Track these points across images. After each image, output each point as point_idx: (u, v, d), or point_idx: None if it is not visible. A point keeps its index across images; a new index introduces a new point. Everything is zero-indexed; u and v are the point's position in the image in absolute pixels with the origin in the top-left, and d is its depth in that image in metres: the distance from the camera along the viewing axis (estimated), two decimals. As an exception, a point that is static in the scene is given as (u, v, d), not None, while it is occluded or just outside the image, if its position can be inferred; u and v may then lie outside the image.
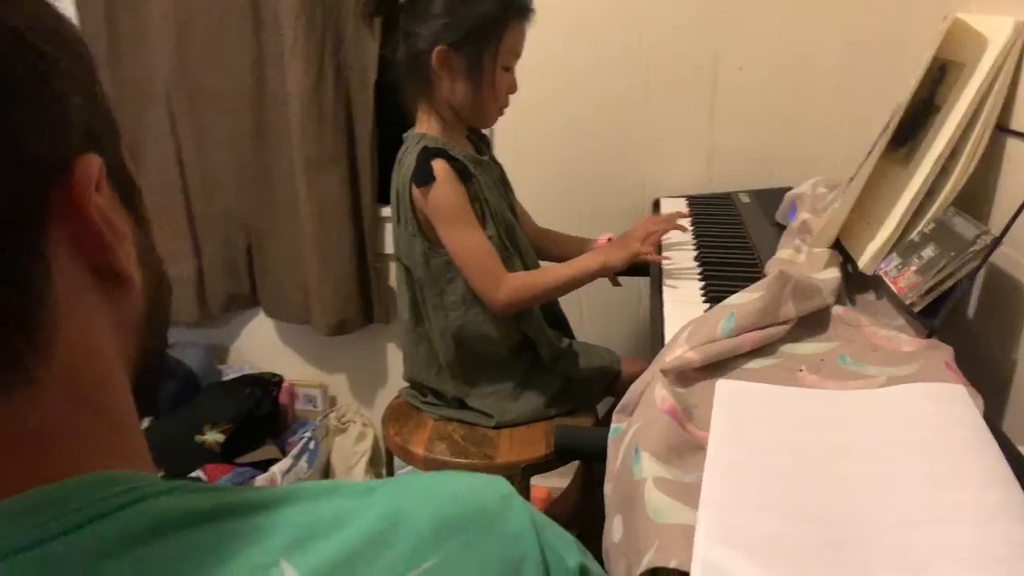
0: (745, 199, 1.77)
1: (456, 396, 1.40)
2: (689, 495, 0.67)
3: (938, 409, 0.77)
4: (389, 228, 1.99)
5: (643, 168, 1.88)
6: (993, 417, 0.94)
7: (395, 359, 2.14)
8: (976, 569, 0.56)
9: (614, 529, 0.76)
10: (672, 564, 0.60)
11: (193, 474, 1.89)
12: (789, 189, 1.73)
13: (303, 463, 1.99)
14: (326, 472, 2.09)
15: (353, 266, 1.98)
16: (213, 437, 1.90)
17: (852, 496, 0.66)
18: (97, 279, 0.38)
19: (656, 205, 1.82)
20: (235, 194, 2.03)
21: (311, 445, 2.04)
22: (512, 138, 1.80)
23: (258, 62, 1.91)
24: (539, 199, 1.71)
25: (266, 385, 2.02)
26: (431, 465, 1.31)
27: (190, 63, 1.93)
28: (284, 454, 2.00)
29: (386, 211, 1.99)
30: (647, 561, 0.62)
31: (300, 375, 2.18)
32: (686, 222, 1.49)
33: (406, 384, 1.51)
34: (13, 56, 0.34)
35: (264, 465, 1.94)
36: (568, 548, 0.40)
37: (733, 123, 1.84)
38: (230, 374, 2.14)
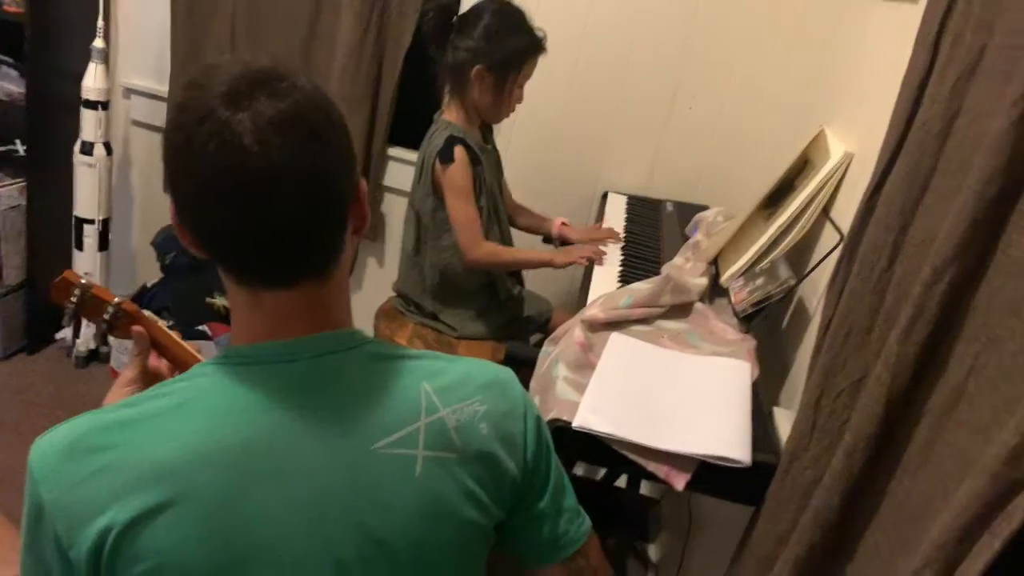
0: (670, 208, 2.30)
1: (432, 311, 1.92)
2: (580, 388, 1.22)
3: (728, 373, 1.33)
4: (392, 165, 2.48)
5: (599, 165, 2.39)
6: (777, 385, 1.52)
7: (372, 270, 2.63)
8: (712, 439, 1.12)
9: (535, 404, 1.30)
10: (564, 417, 1.15)
11: (200, 327, 2.37)
12: (705, 207, 2.29)
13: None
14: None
15: (357, 191, 2.44)
16: (221, 301, 2.38)
17: (667, 400, 1.22)
18: (352, 232, 0.78)
19: (604, 196, 2.35)
20: (272, 111, 2.45)
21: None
22: (508, 128, 2.29)
23: (317, 10, 2.33)
24: (518, 176, 2.22)
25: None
26: (407, 353, 1.83)
27: (257, 4, 2.33)
28: (272, 327, 2.49)
29: (393, 151, 2.47)
30: (551, 416, 1.17)
31: (293, 267, 2.65)
32: (620, 229, 2.02)
33: (393, 293, 2.03)
34: (346, 136, 0.75)
35: (256, 332, 2.43)
36: (533, 406, 0.90)
37: (676, 145, 2.36)
38: (236, 254, 2.60)
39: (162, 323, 1.07)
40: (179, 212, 0.75)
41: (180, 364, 1.05)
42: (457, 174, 1.73)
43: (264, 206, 0.70)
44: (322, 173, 0.73)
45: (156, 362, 1.03)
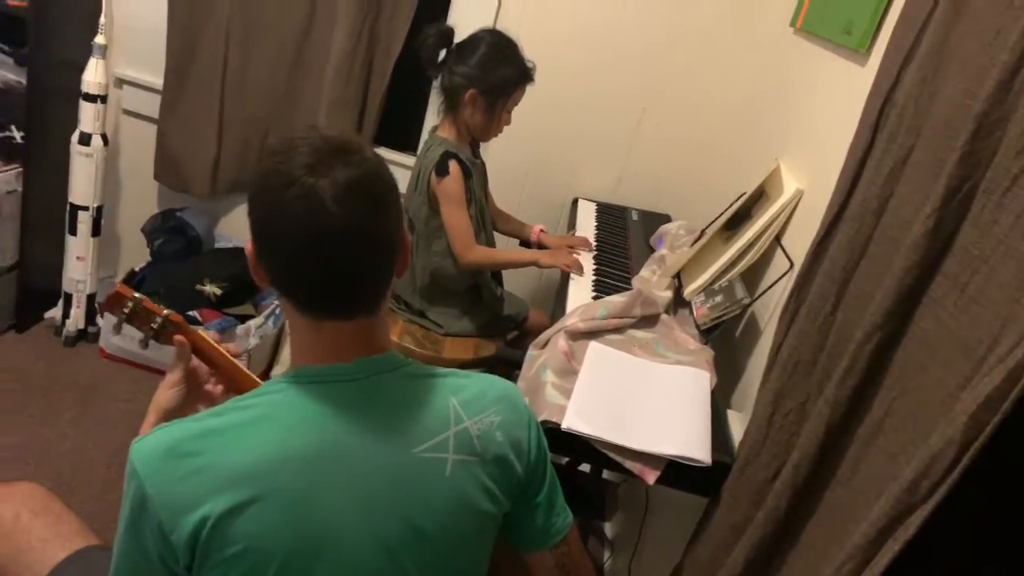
0: (635, 216, 2.51)
1: (419, 309, 2.09)
2: (566, 393, 1.42)
3: (690, 380, 1.55)
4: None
5: (571, 174, 2.59)
6: (729, 389, 1.75)
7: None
8: (679, 441, 1.33)
9: (524, 404, 1.49)
10: (553, 419, 1.34)
11: (191, 313, 2.48)
12: (667, 217, 2.50)
13: (269, 323, 2.62)
14: (283, 331, 2.74)
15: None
16: (212, 288, 2.50)
17: (640, 405, 1.42)
18: (395, 274, 1.02)
19: (575, 203, 2.54)
20: (263, 107, 2.57)
21: (277, 311, 2.67)
22: (494, 141, 2.45)
23: (311, 16, 2.44)
24: (498, 182, 2.39)
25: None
26: (400, 349, 2.00)
27: (253, 5, 2.44)
28: (258, 313, 2.62)
29: (379, 151, 2.60)
30: (542, 417, 1.36)
31: (276, 255, 2.77)
32: (592, 235, 2.22)
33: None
34: (399, 198, 0.98)
35: (243, 318, 2.56)
36: (535, 416, 1.09)
37: (642, 159, 2.56)
38: (222, 243, 2.72)
39: (203, 331, 1.22)
40: (259, 256, 0.91)
41: (219, 368, 1.21)
42: (451, 186, 1.90)
43: (337, 257, 0.87)
44: (384, 231, 0.90)
45: (195, 363, 1.18)
